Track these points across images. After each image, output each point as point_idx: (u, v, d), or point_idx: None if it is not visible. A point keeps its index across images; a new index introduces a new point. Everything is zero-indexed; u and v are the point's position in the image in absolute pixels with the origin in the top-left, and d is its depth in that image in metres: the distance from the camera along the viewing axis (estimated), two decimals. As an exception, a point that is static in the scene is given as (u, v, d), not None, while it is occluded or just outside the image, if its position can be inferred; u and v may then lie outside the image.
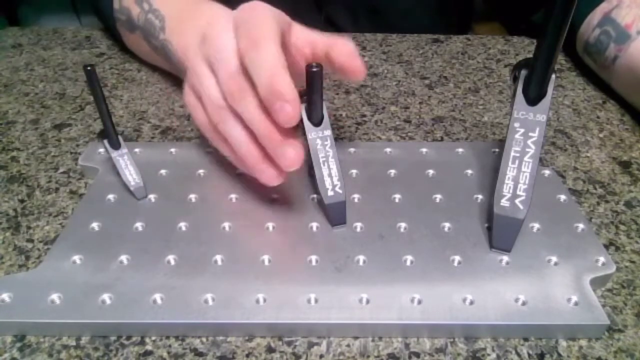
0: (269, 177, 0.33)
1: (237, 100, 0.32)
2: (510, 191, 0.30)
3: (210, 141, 0.36)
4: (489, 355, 0.26)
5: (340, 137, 0.44)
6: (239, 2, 0.34)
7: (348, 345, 0.27)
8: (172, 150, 0.40)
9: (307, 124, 0.33)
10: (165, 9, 0.46)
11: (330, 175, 0.33)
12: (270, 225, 0.33)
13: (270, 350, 0.27)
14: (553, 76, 0.30)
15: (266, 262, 0.30)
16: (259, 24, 0.31)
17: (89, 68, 0.32)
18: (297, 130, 0.33)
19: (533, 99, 0.30)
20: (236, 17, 0.33)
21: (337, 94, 0.50)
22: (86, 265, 0.30)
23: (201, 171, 0.37)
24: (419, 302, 0.28)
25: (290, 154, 0.31)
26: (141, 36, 0.50)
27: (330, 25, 0.69)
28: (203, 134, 0.36)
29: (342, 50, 0.34)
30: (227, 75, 0.32)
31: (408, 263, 0.30)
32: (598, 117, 0.47)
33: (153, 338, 0.27)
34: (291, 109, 0.31)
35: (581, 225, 0.32)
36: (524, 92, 0.31)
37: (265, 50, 0.31)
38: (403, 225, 0.33)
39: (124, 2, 0.51)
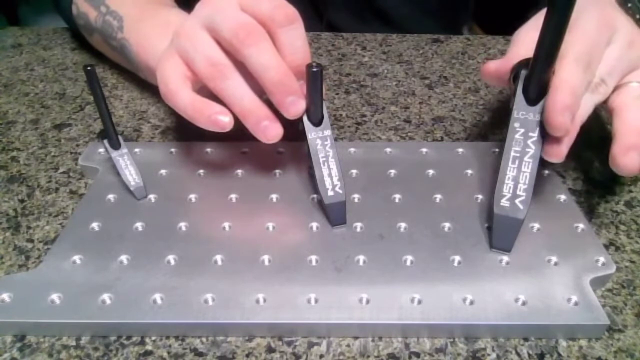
0: (274, 133, 0.32)
1: (250, 46, 0.30)
2: (510, 191, 0.30)
3: (182, 108, 0.33)
4: (489, 355, 0.26)
5: (340, 137, 0.44)
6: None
7: (348, 345, 0.27)
8: (172, 150, 0.40)
9: (307, 124, 0.33)
10: (123, 10, 0.47)
11: (330, 175, 0.33)
12: (270, 225, 0.33)
13: (270, 350, 0.27)
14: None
15: (266, 262, 0.30)
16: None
17: (89, 68, 0.32)
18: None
19: (533, 99, 0.30)
20: None
21: (337, 94, 0.50)
22: (86, 265, 0.30)
23: (201, 171, 0.37)
24: (419, 302, 0.28)
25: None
26: (100, 38, 0.50)
27: (331, 30, 0.68)
28: (175, 98, 0.34)
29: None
30: (235, 24, 0.31)
31: (408, 263, 0.30)
32: (598, 117, 0.47)
33: (153, 338, 0.27)
34: (304, 102, 0.31)
35: (581, 225, 0.32)
36: (524, 92, 0.31)
37: (264, 45, 0.31)
38: (403, 225, 0.33)
39: (81, 8, 0.52)
